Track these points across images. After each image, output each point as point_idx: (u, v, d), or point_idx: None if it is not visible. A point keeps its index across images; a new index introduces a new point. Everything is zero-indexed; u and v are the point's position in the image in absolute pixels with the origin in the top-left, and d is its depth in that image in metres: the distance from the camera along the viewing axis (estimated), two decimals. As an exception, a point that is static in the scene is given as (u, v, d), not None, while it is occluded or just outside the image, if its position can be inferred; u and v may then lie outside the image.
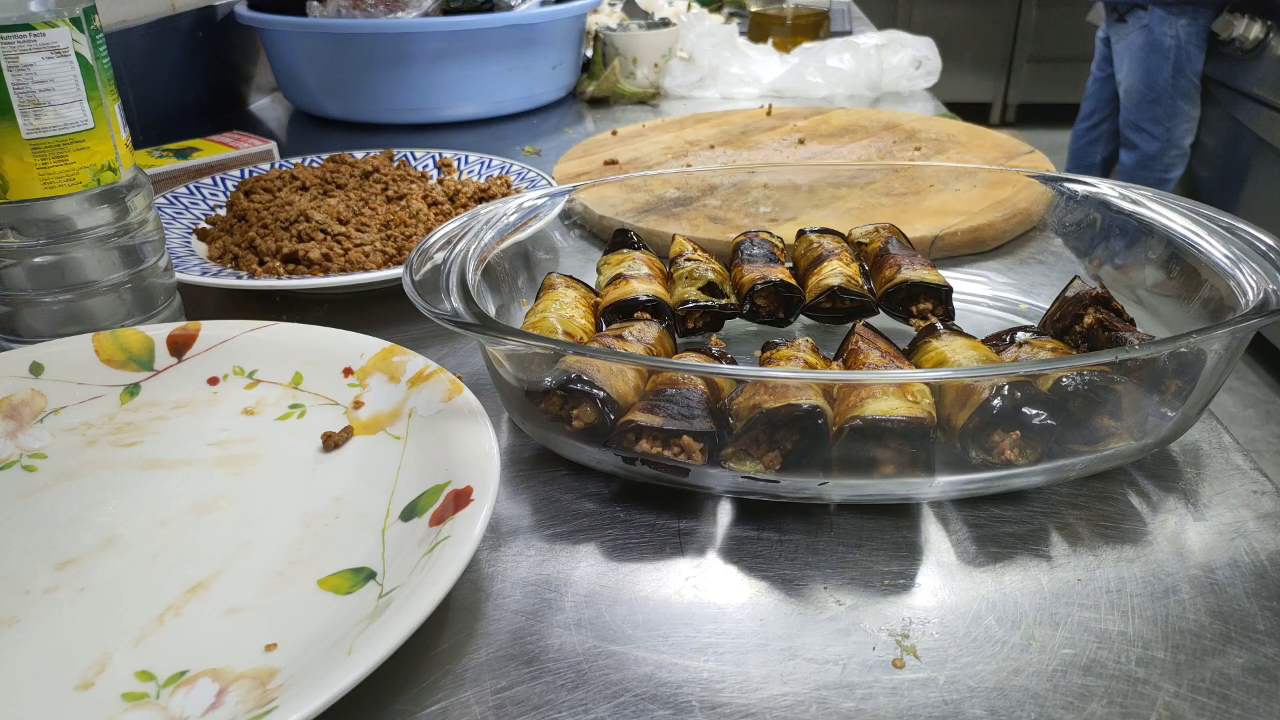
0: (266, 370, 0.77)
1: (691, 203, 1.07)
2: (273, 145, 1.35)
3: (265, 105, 1.89)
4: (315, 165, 1.23)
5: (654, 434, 0.66)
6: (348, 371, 0.76)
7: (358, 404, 0.74)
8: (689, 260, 0.92)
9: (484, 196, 1.17)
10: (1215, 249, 0.81)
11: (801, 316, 0.90)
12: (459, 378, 0.71)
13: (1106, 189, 0.93)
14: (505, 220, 0.86)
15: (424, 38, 1.60)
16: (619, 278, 0.88)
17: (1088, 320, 0.78)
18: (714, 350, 0.76)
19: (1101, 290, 0.80)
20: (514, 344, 0.66)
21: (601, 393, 0.67)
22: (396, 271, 0.95)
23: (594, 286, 0.91)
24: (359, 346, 0.77)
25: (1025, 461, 0.66)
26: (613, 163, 1.37)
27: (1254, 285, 0.74)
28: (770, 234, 0.99)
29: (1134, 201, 0.90)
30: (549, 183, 1.21)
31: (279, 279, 0.95)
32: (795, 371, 0.68)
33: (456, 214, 1.11)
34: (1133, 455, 0.69)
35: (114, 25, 1.48)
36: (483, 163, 1.28)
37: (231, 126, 1.71)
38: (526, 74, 1.72)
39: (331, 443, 0.71)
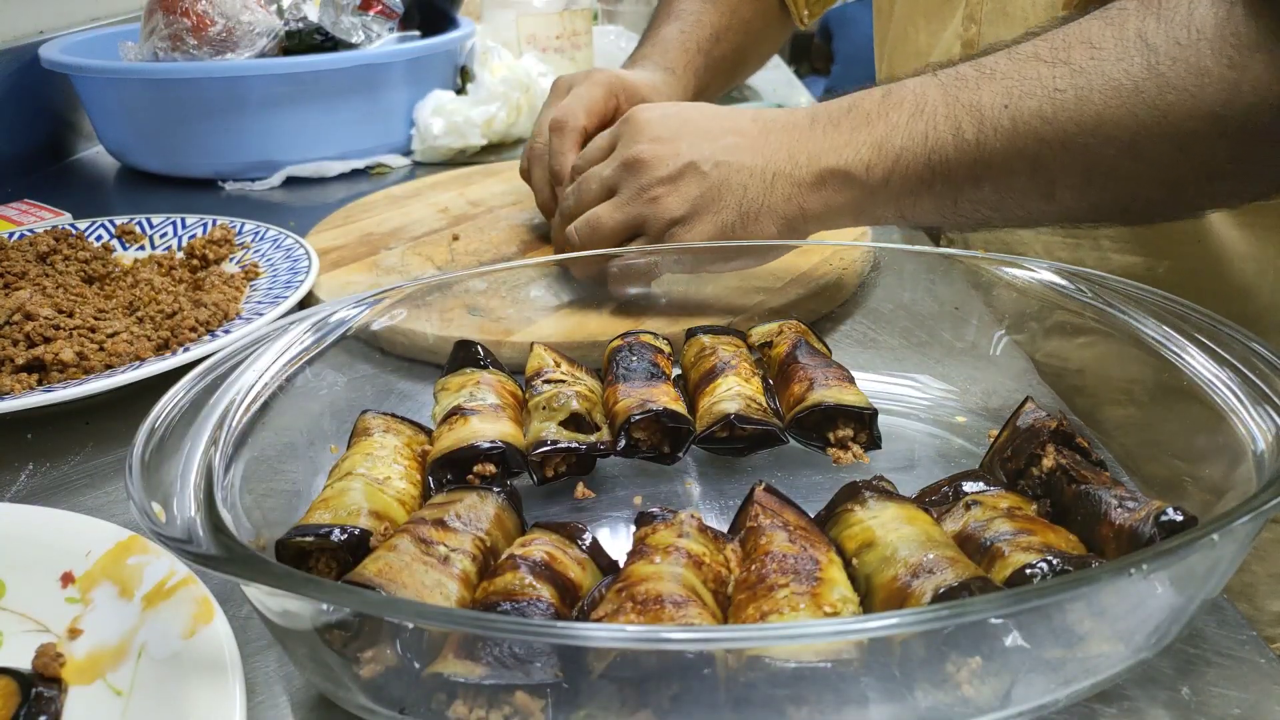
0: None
1: (450, 288, 0.87)
2: (65, 217, 1.15)
3: (94, 156, 1.69)
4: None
5: (474, 691, 0.47)
6: (67, 579, 0.57)
7: (74, 632, 0.55)
8: (548, 382, 0.75)
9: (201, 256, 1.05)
10: (1197, 363, 0.65)
11: (695, 446, 0.73)
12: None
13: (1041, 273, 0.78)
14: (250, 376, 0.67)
15: (257, 81, 1.41)
16: (456, 413, 0.70)
17: (1047, 463, 0.63)
18: (574, 522, 0.59)
19: (1061, 423, 0.64)
20: (261, 590, 0.47)
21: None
22: (188, 357, 0.80)
23: (432, 418, 0.73)
24: (87, 540, 0.58)
25: (990, 698, 0.49)
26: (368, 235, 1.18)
27: (1262, 422, 0.59)
28: (654, 336, 0.82)
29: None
30: (300, 245, 1.06)
31: (26, 394, 0.78)
32: (672, 631, 0.49)
33: (204, 279, 0.99)
34: (1128, 670, 0.52)
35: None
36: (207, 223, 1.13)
37: (52, 182, 1.53)
38: (385, 120, 1.53)
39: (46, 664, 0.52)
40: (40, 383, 0.81)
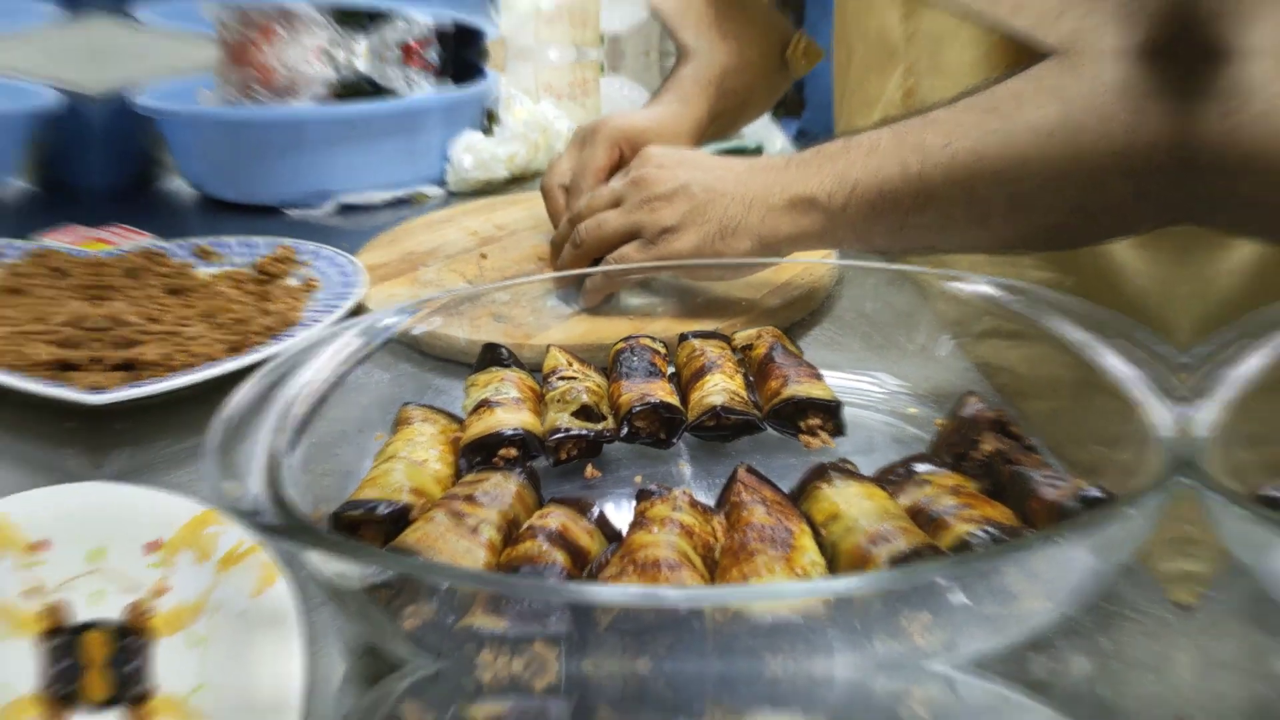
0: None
1: (479, 299, 0.89)
2: (150, 239, 1.15)
3: (176, 188, 1.68)
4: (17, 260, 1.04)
5: (498, 641, 0.47)
6: (154, 546, 0.56)
7: (160, 591, 0.54)
8: (562, 379, 0.75)
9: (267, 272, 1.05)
10: (1113, 362, 0.65)
11: (687, 433, 0.73)
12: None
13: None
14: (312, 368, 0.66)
15: (314, 124, 1.42)
16: (483, 405, 0.70)
17: (986, 448, 0.62)
18: (584, 497, 0.59)
19: (998, 414, 0.64)
20: (318, 556, 0.46)
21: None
22: (255, 358, 0.79)
23: (463, 409, 0.73)
24: (171, 513, 0.57)
25: (938, 646, 0.48)
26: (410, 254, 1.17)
27: (1168, 412, 0.58)
28: (652, 339, 0.81)
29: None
30: (352, 262, 1.06)
31: (118, 389, 0.77)
32: (668, 590, 0.49)
33: (270, 291, 0.98)
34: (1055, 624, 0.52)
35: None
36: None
37: (140, 209, 1.51)
38: (424, 156, 1.52)
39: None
40: (130, 380, 0.80)
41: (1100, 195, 0.77)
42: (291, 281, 1.04)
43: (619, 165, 1.09)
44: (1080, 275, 1.00)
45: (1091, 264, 0.98)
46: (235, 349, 0.86)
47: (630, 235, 0.93)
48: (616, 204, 0.96)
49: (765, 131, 2.01)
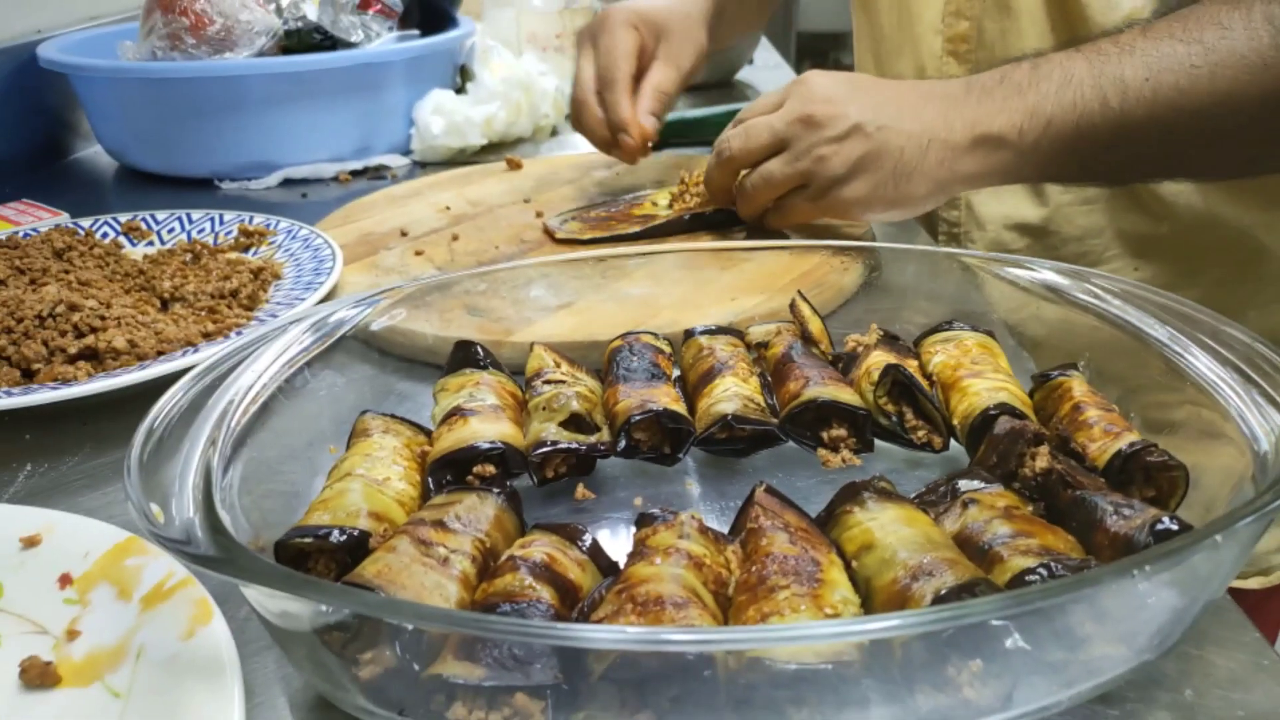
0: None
1: (450, 288, 0.88)
2: (63, 217, 1.15)
3: (92, 155, 1.68)
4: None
5: (473, 693, 0.47)
6: (65, 580, 0.56)
7: (72, 633, 0.54)
8: (549, 382, 0.75)
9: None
10: (1201, 363, 0.65)
11: (695, 447, 0.72)
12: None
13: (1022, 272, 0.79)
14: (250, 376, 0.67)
15: (255, 81, 1.41)
16: (455, 414, 0.70)
17: (1040, 464, 0.62)
18: (574, 523, 0.58)
19: (1039, 429, 0.64)
20: (260, 592, 0.46)
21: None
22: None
23: (431, 419, 0.73)
24: (85, 541, 0.58)
25: (991, 700, 0.48)
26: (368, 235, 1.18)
27: (1265, 422, 0.58)
28: (654, 336, 0.81)
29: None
30: (325, 241, 1.07)
31: (89, 380, 0.79)
32: (673, 632, 0.49)
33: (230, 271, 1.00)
34: (1131, 673, 0.52)
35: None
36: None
37: (52, 181, 1.53)
38: (384, 119, 1.52)
39: (37, 675, 0.52)
40: (94, 372, 0.82)
41: None
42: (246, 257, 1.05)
43: (643, 51, 1.20)
44: (1173, 220, 1.12)
45: (1186, 210, 1.11)
46: (210, 335, 0.88)
47: (799, 184, 1.00)
48: (779, 145, 1.01)
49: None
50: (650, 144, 1.20)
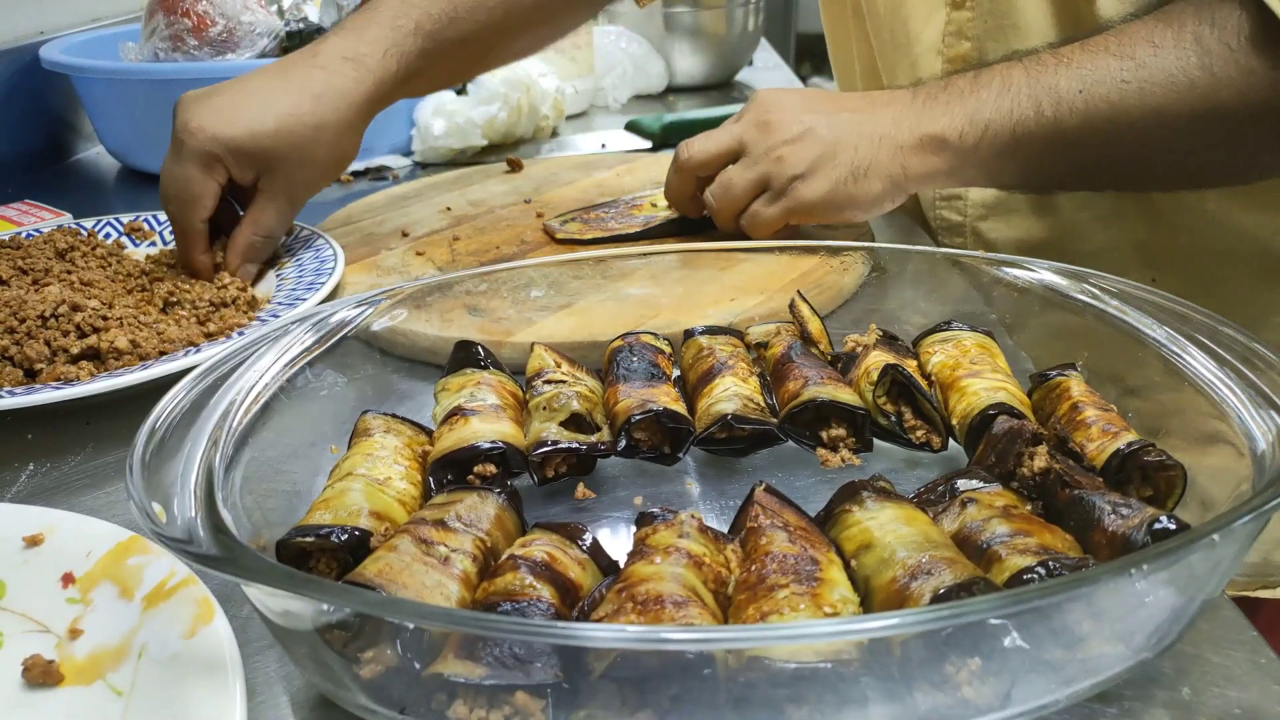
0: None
1: (451, 289, 0.89)
2: (66, 218, 1.15)
3: (94, 156, 1.68)
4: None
5: (474, 692, 0.47)
6: (68, 580, 0.56)
7: (74, 632, 0.54)
8: (549, 382, 0.75)
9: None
10: (1198, 363, 0.65)
11: (695, 447, 0.72)
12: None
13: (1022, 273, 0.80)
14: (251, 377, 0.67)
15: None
16: (456, 413, 0.70)
17: (1038, 464, 0.62)
18: (575, 522, 0.58)
19: (1037, 428, 0.64)
20: (261, 591, 0.46)
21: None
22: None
23: (432, 418, 0.73)
24: (87, 540, 0.58)
25: (990, 698, 0.48)
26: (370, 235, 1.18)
27: (1262, 422, 0.58)
28: (654, 336, 0.81)
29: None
30: (326, 241, 1.06)
31: (91, 380, 0.79)
32: (672, 631, 0.49)
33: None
34: (1128, 671, 0.52)
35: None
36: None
37: (54, 182, 1.53)
38: (386, 120, 1.52)
39: (39, 674, 0.52)
40: (96, 372, 0.82)
41: (1239, 144, 0.88)
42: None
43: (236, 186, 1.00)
44: (1191, 233, 1.12)
45: (1200, 219, 1.11)
46: (212, 335, 0.89)
47: (759, 189, 1.02)
48: (736, 154, 1.04)
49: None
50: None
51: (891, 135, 0.97)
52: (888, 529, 0.56)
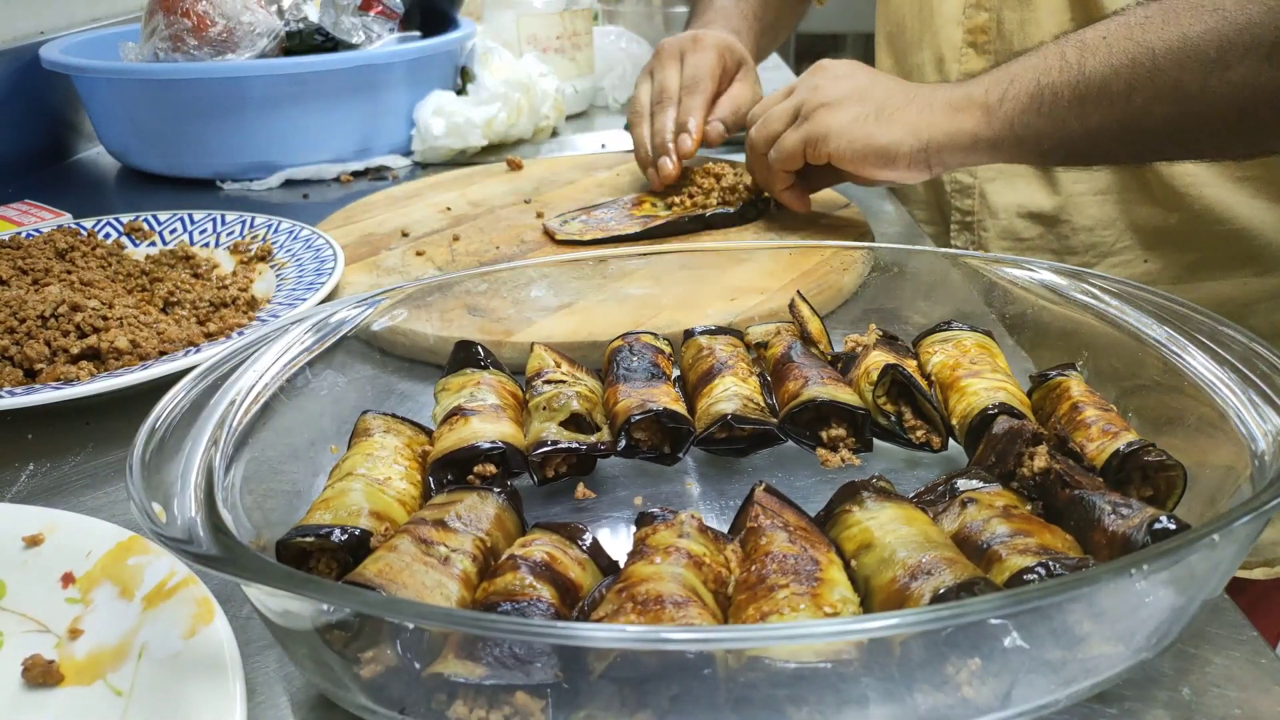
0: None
1: (451, 289, 0.89)
2: (66, 218, 1.15)
3: (94, 156, 1.68)
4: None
5: (474, 692, 0.47)
6: (68, 580, 0.56)
7: (75, 632, 0.54)
8: (549, 382, 0.75)
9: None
10: (1198, 363, 0.65)
11: (695, 447, 0.72)
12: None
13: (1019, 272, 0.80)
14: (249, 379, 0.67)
15: (257, 82, 1.40)
16: (456, 413, 0.70)
17: (1039, 464, 0.62)
18: (575, 522, 0.58)
19: (1037, 428, 0.64)
20: (261, 591, 0.46)
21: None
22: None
23: (432, 418, 0.73)
24: (88, 540, 0.58)
25: (990, 698, 0.48)
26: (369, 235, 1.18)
27: (1262, 422, 0.58)
28: (655, 336, 0.81)
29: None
30: (326, 241, 1.06)
31: (80, 383, 0.79)
32: (672, 631, 0.49)
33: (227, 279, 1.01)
34: (1129, 671, 0.52)
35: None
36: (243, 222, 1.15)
37: (54, 182, 1.53)
38: (385, 120, 1.52)
39: (39, 674, 0.51)
40: (97, 371, 0.82)
41: (1275, 74, 0.83)
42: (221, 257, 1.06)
43: (724, 76, 1.25)
44: (1184, 213, 1.15)
45: (1197, 201, 1.14)
46: (212, 335, 0.89)
47: (792, 118, 1.06)
48: (787, 96, 1.09)
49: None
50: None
51: (926, 97, 0.99)
52: (888, 529, 0.56)
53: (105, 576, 0.57)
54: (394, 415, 0.71)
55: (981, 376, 0.72)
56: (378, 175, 1.51)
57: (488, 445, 0.67)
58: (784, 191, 1.12)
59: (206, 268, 1.03)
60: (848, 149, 1.01)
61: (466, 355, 0.78)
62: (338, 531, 0.57)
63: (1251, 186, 1.12)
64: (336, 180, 1.47)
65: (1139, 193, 1.17)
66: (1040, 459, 0.62)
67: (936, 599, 0.50)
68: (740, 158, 1.21)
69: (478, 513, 0.59)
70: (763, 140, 1.09)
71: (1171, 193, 1.14)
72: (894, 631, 0.45)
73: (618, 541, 0.65)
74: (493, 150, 1.59)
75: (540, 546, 0.55)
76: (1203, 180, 1.12)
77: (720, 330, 0.83)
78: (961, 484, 0.62)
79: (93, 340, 0.82)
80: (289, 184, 1.46)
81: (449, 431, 0.68)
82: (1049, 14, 1.15)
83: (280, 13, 1.47)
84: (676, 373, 0.80)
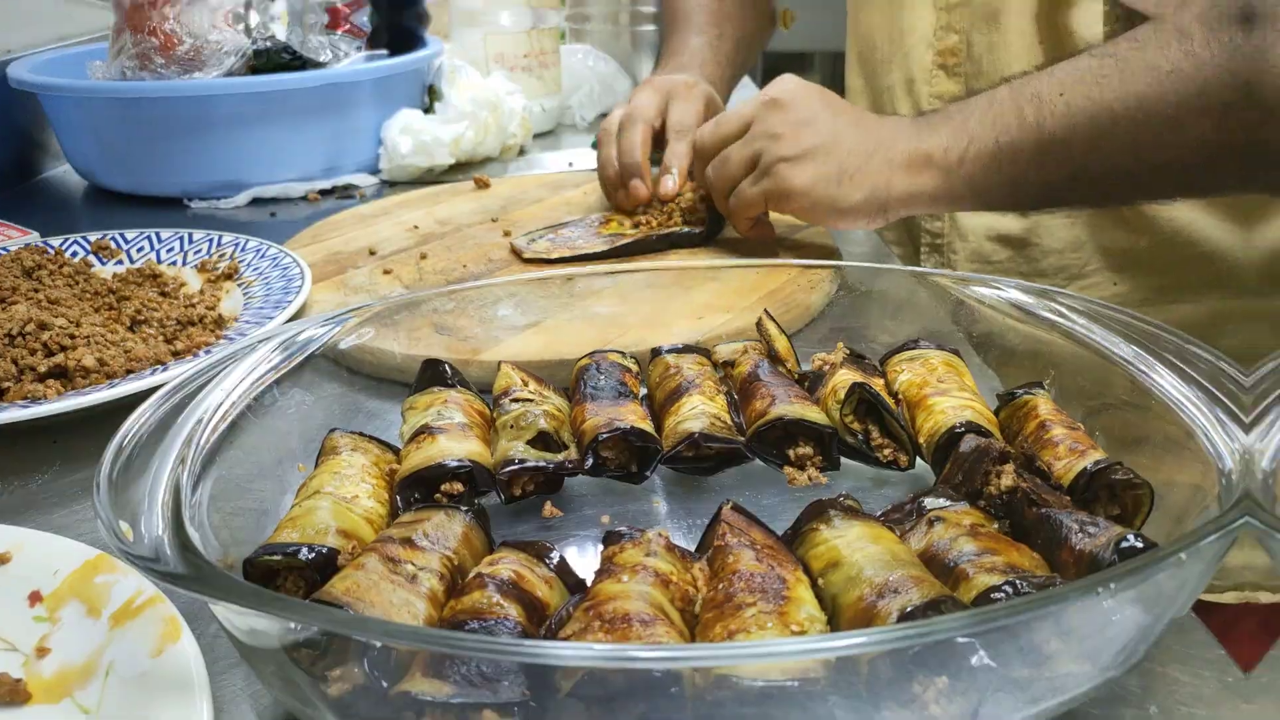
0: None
1: (418, 307, 0.89)
2: (33, 236, 1.14)
3: (62, 174, 1.67)
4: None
5: (441, 710, 0.47)
6: (35, 598, 0.56)
7: (42, 650, 0.54)
8: (516, 401, 0.75)
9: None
10: (1166, 382, 0.65)
11: (662, 465, 0.72)
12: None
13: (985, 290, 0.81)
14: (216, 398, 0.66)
15: (224, 100, 1.40)
16: (423, 432, 0.70)
17: (1005, 482, 0.62)
18: (542, 540, 0.58)
19: (1004, 447, 0.64)
20: (228, 609, 0.46)
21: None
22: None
23: (400, 436, 0.73)
24: (55, 558, 0.57)
25: (957, 717, 0.48)
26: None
27: (1228, 443, 0.59)
28: (621, 354, 0.81)
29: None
30: (293, 260, 1.06)
31: (47, 401, 0.78)
32: (640, 649, 0.49)
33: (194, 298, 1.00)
34: (1096, 689, 0.52)
35: None
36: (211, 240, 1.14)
37: (21, 201, 1.53)
38: (353, 139, 1.52)
39: (7, 692, 0.51)
40: (64, 390, 0.82)
41: (1228, 133, 0.85)
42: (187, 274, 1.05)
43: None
44: (1153, 236, 1.16)
45: (1167, 224, 1.15)
46: (179, 354, 0.88)
47: (752, 165, 1.04)
48: (744, 130, 1.06)
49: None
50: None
51: (886, 149, 0.98)
52: (855, 547, 0.56)
53: (73, 595, 0.57)
54: (361, 434, 0.71)
55: (949, 395, 0.72)
56: (345, 194, 1.50)
57: (455, 463, 0.66)
58: (747, 229, 1.11)
59: (174, 286, 1.02)
60: (810, 210, 1.02)
61: (434, 373, 0.78)
62: (305, 550, 0.56)
63: (1221, 210, 1.13)
64: (304, 199, 1.47)
65: (1108, 216, 1.17)
66: (1007, 477, 0.62)
67: (904, 617, 0.50)
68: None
69: (445, 531, 0.59)
70: (722, 183, 1.08)
71: (1141, 216, 1.15)
72: (861, 650, 0.45)
73: (585, 560, 0.65)
74: (460, 169, 1.60)
75: (507, 565, 0.55)
76: (1176, 206, 1.13)
77: (688, 349, 0.83)
78: (929, 502, 0.62)
79: (60, 359, 0.82)
80: (256, 202, 1.46)
81: (416, 450, 0.68)
82: (1018, 36, 1.16)
83: (248, 31, 1.47)
84: (644, 391, 0.80)
